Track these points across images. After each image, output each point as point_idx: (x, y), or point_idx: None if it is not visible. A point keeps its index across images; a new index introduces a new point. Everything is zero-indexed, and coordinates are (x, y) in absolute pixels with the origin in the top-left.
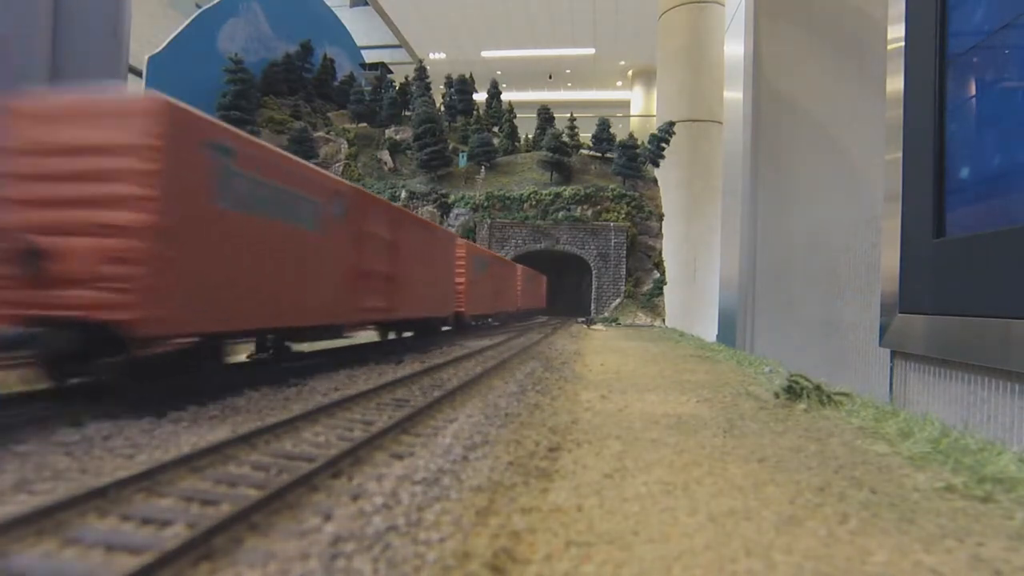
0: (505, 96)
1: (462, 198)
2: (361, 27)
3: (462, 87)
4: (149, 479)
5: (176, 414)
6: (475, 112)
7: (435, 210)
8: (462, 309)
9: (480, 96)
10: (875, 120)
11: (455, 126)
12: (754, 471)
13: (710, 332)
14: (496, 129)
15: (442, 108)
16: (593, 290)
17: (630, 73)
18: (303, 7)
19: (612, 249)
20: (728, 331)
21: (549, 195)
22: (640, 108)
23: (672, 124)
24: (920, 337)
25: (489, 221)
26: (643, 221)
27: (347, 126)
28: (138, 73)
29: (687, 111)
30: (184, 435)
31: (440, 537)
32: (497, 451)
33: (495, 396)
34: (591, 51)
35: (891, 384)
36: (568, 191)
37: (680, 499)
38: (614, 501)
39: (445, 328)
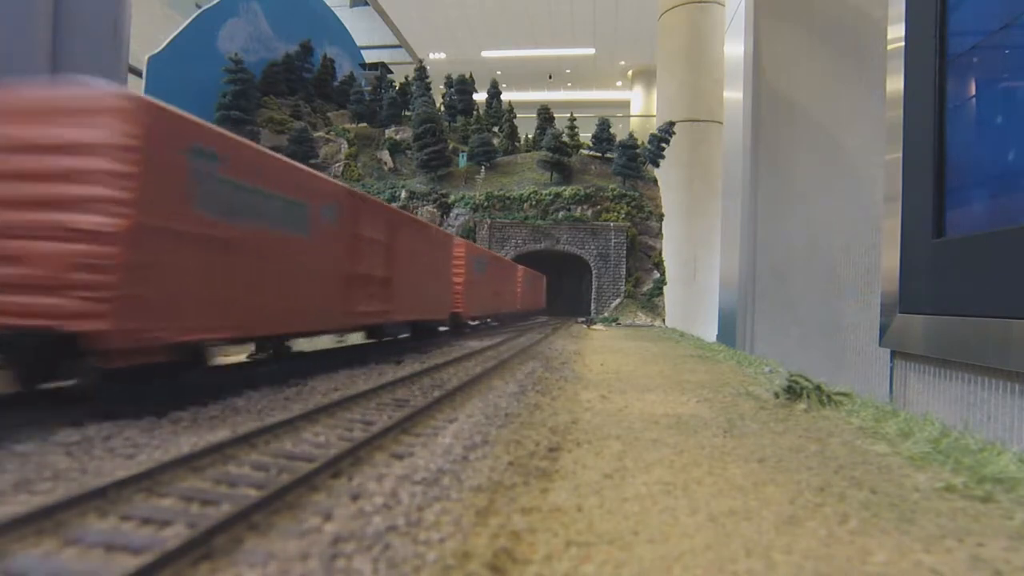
0: (505, 96)
1: (462, 198)
2: (361, 27)
3: (462, 87)
4: (149, 479)
5: (176, 414)
6: (475, 112)
7: (435, 210)
8: (460, 310)
9: (480, 96)
10: (875, 120)
11: (455, 126)
12: (754, 471)
13: (710, 332)
14: (496, 129)
15: (442, 108)
16: (593, 290)
17: (630, 73)
18: (303, 7)
19: (612, 249)
20: (728, 331)
21: (549, 195)
22: (640, 108)
23: (672, 124)
24: (920, 337)
25: (489, 221)
26: (643, 221)
27: (347, 126)
28: (138, 73)
29: (687, 111)
30: (184, 435)
31: (440, 537)
32: (497, 451)
33: (495, 396)
34: (591, 51)
35: (891, 384)
36: (568, 191)
37: (680, 499)
38: (614, 501)
39: (442, 329)
